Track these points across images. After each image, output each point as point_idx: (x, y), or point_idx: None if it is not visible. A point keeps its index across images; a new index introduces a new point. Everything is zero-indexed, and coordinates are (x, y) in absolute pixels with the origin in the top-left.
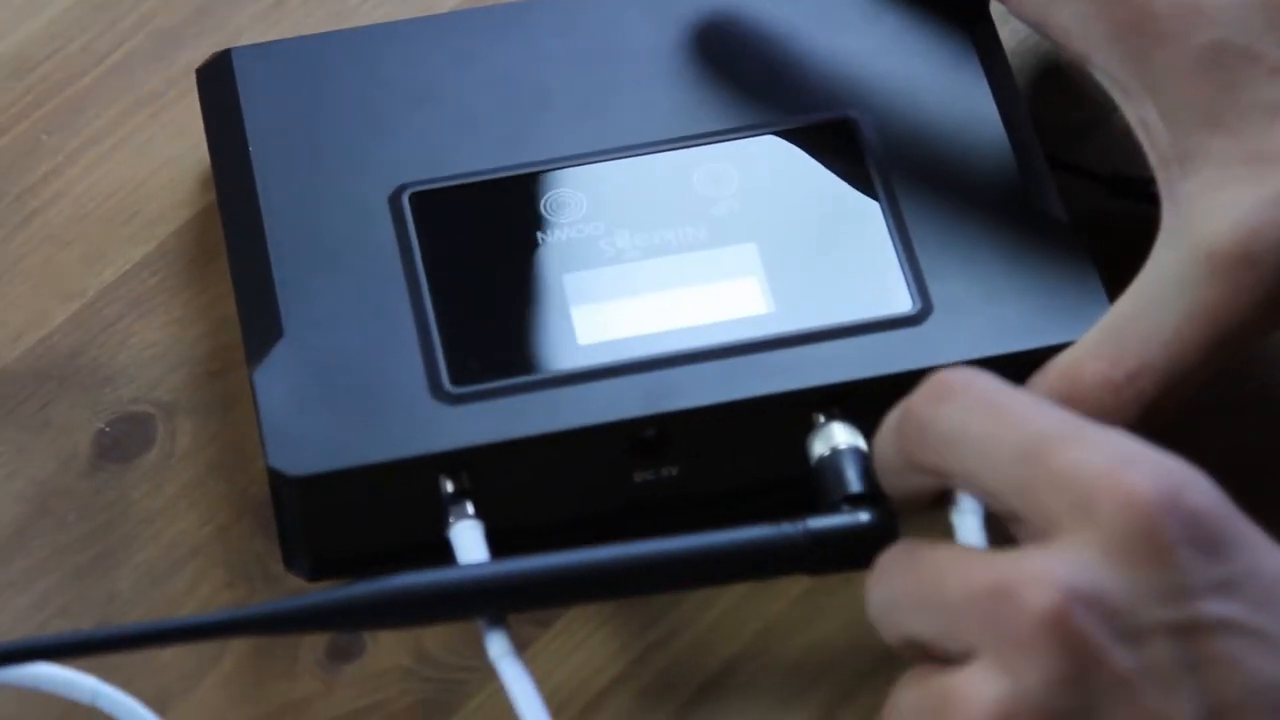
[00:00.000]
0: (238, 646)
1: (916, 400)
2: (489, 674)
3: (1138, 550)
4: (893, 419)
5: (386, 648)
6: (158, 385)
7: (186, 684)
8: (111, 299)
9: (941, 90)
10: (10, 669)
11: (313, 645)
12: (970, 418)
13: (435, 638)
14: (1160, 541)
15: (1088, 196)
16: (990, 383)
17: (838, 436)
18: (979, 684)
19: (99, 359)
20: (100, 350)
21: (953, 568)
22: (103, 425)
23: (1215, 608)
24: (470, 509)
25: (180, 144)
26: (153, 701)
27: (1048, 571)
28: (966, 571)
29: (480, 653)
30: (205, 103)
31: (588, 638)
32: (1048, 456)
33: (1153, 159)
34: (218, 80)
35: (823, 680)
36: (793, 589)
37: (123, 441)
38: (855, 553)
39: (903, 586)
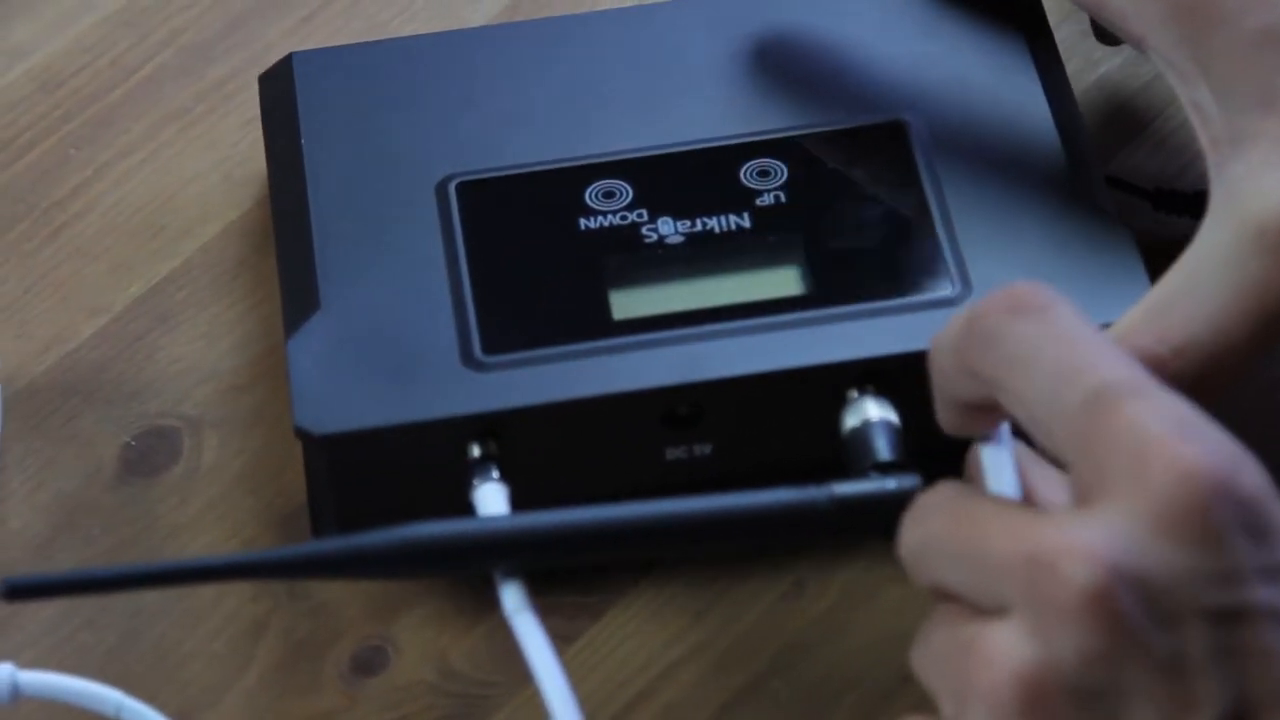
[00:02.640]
0: (262, 661)
1: (990, 308)
2: (513, 689)
3: (1187, 527)
4: (959, 323)
5: (411, 662)
6: (184, 399)
7: (211, 698)
8: (138, 313)
9: (995, 94)
10: (34, 681)
11: (337, 659)
12: (1043, 344)
13: (460, 653)
14: (1211, 521)
15: (1132, 211)
16: (1070, 311)
17: (870, 410)
18: (1008, 643)
19: (125, 373)
20: (127, 364)
21: (997, 524)
22: (129, 439)
23: (1261, 595)
24: (495, 473)
25: (208, 159)
26: (177, 715)
27: (1094, 544)
28: (1011, 531)
29: (505, 668)
30: (265, 104)
31: (610, 654)
32: (1112, 409)
33: (1204, 141)
34: (278, 81)
35: (847, 695)
36: (818, 605)
37: (149, 455)
38: (879, 519)
39: (941, 533)
